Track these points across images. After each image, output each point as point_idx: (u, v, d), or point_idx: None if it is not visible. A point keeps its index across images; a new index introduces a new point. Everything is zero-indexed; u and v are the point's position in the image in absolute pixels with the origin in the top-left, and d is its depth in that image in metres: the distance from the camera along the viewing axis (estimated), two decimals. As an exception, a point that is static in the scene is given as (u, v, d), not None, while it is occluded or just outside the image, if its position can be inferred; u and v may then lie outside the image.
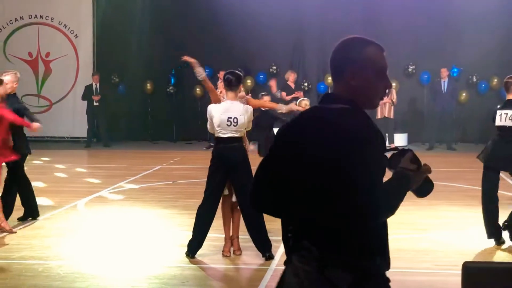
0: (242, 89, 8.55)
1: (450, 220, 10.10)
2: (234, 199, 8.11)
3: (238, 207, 8.14)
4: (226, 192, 8.10)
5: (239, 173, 7.85)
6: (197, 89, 21.77)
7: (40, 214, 10.39)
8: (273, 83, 18.93)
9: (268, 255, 7.86)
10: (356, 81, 3.03)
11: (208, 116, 7.97)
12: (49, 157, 18.43)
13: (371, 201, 2.83)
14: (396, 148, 3.14)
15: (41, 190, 12.89)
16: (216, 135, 7.93)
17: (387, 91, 3.16)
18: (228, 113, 7.82)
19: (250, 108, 8.03)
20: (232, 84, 7.92)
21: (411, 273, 7.51)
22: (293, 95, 19.27)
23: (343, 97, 3.05)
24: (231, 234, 8.25)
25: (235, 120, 7.80)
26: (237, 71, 8.11)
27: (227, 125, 7.79)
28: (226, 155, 7.84)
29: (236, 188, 7.95)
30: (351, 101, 3.01)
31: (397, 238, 9.13)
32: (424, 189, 3.17)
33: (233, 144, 7.86)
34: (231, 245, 8.24)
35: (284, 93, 19.78)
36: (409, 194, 3.07)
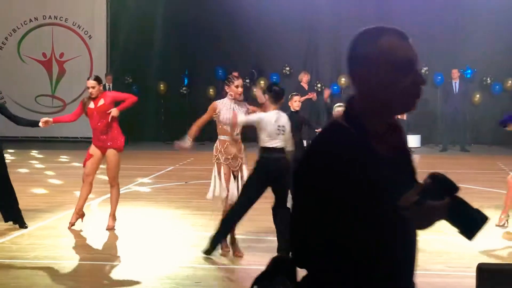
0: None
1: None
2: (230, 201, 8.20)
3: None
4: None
5: (283, 183, 7.91)
6: (210, 89, 21.81)
7: (54, 213, 10.45)
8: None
9: None
10: (367, 86, 2.39)
11: (256, 122, 7.98)
12: (64, 157, 18.51)
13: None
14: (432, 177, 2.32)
15: (55, 189, 12.98)
16: (263, 144, 7.94)
17: (420, 88, 2.43)
18: (278, 122, 7.94)
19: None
20: (279, 97, 8.10)
21: (424, 275, 7.48)
22: (306, 97, 19.28)
23: (346, 109, 2.47)
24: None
25: (283, 129, 7.94)
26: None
27: (277, 134, 7.90)
28: (272, 165, 7.89)
29: (278, 198, 7.99)
30: (350, 115, 2.43)
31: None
32: (464, 225, 2.40)
33: (280, 155, 7.94)
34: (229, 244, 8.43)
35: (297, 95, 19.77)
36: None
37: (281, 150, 7.96)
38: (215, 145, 8.38)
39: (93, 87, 9.48)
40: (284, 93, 8.23)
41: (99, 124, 9.54)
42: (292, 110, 11.06)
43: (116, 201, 9.69)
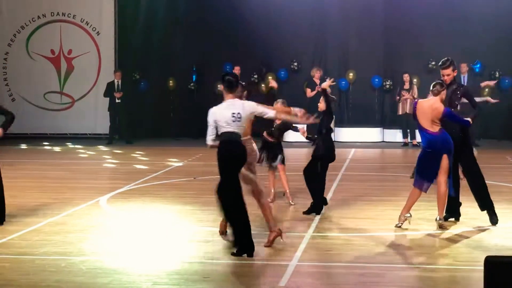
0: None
1: (472, 216, 10.02)
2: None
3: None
4: None
5: None
6: (218, 85, 21.80)
7: (63, 210, 10.49)
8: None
9: None
10: None
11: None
12: (71, 154, 18.56)
13: None
14: None
15: (63, 186, 13.01)
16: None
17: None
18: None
19: None
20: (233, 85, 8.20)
21: (432, 269, 7.48)
22: (316, 91, 19.30)
23: None
24: None
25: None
26: None
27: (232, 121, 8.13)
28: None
29: None
30: None
31: (418, 234, 9.09)
32: None
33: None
34: None
35: (308, 90, 19.83)
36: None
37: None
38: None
39: None
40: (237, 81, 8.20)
41: None
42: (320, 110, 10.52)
43: None
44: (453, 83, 9.75)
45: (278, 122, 10.65)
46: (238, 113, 7.93)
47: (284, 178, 10.97)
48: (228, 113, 7.91)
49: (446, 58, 9.71)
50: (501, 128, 21.41)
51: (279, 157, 10.88)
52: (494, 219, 9.51)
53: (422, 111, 9.13)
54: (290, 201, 10.95)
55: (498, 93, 21.30)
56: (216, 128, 7.99)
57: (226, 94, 8.11)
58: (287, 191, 11.00)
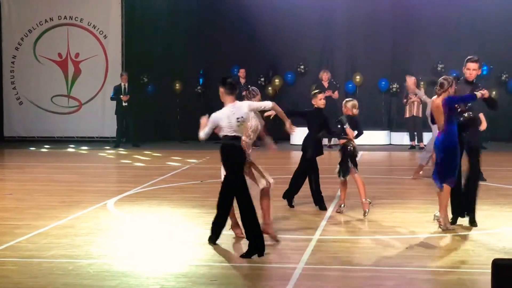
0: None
1: (480, 219, 9.99)
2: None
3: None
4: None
5: None
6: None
7: (70, 213, 10.51)
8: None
9: None
10: None
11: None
12: (78, 157, 18.60)
13: None
14: None
15: (71, 189, 13.03)
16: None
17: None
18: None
19: None
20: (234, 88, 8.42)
21: (440, 272, 7.46)
22: (325, 94, 19.27)
23: None
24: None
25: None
26: None
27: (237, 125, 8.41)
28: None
29: None
30: None
31: (426, 237, 9.07)
32: None
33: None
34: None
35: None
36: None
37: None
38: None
39: None
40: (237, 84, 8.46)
41: None
42: (317, 107, 10.87)
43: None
44: (476, 82, 9.81)
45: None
46: (242, 117, 8.18)
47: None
48: (233, 119, 8.14)
49: (473, 56, 9.86)
50: (509, 130, 21.36)
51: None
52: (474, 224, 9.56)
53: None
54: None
55: (506, 96, 21.29)
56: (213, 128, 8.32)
57: (227, 97, 8.25)
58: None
